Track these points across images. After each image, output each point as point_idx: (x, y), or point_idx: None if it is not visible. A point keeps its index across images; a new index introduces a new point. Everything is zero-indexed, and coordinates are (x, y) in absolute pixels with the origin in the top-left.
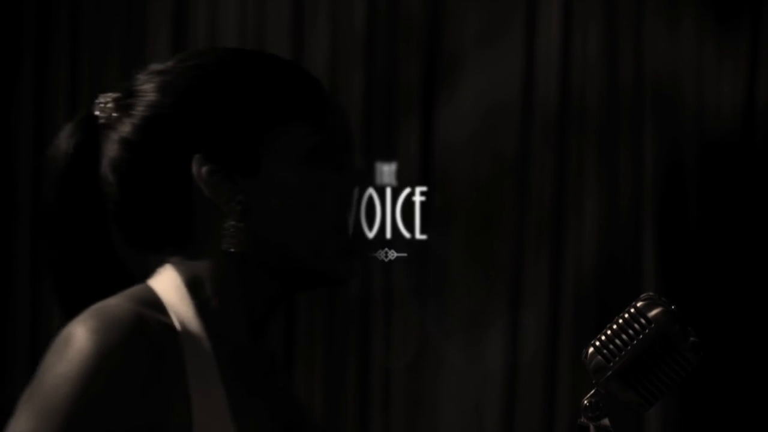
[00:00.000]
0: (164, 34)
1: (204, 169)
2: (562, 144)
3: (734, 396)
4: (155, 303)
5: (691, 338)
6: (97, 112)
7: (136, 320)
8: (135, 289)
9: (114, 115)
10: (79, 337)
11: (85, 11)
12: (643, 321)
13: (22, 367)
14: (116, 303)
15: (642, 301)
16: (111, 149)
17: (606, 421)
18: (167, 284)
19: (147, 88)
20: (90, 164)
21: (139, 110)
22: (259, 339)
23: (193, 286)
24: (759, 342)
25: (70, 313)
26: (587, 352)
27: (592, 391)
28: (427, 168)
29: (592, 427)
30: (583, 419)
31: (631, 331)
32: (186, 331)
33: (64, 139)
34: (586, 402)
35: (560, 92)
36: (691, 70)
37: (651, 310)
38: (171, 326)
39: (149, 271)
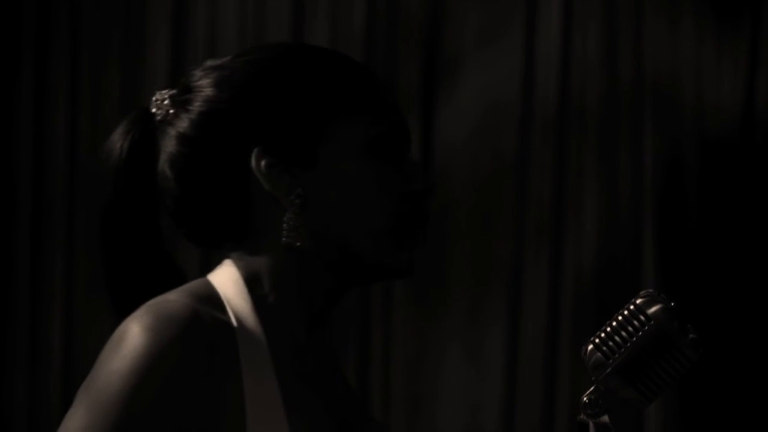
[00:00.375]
0: (164, 33)
1: (263, 163)
2: (561, 143)
3: (733, 393)
4: (213, 298)
5: (691, 335)
6: (153, 109)
7: (190, 317)
8: (194, 284)
9: (170, 111)
10: (134, 333)
11: (85, 11)
12: (642, 318)
13: (22, 366)
14: (173, 299)
15: (641, 298)
16: (169, 145)
17: (605, 418)
18: (225, 279)
19: (203, 83)
20: (146, 161)
21: (196, 106)
22: (318, 334)
23: (252, 280)
24: (759, 340)
25: (120, 311)
26: (586, 349)
27: (592, 388)
28: (427, 167)
29: (591, 424)
30: (582, 416)
31: (630, 328)
32: (242, 327)
33: (119, 137)
34: (585, 399)
35: (560, 91)
36: (690, 69)
37: (650, 307)
38: (227, 322)
39: (211, 265)
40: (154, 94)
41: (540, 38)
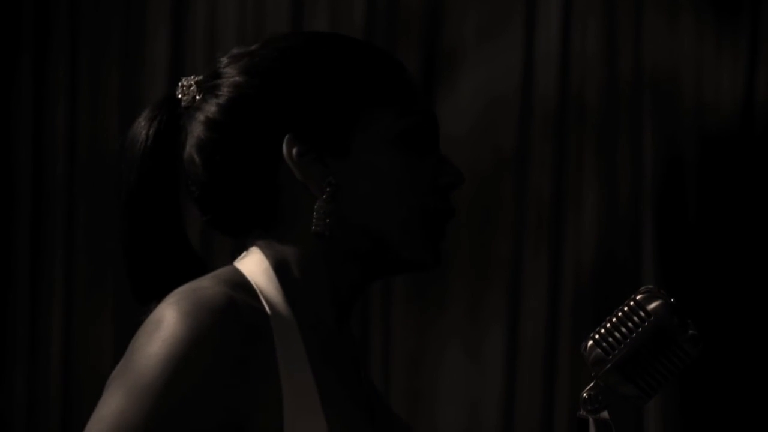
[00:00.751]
0: (163, 32)
1: (294, 151)
2: (561, 139)
3: (733, 389)
4: (245, 286)
5: (690, 331)
6: (178, 95)
7: (227, 303)
8: (223, 272)
9: (197, 97)
10: (171, 319)
11: (84, 11)
12: (642, 314)
13: (21, 365)
14: (207, 285)
15: (641, 294)
16: (196, 129)
17: (605, 414)
18: (255, 267)
19: (231, 70)
20: (170, 147)
21: (225, 91)
22: (343, 326)
23: (280, 269)
24: (759, 336)
25: (141, 298)
26: (586, 344)
27: (591, 384)
28: None
29: (591, 420)
30: (582, 412)
31: (630, 324)
32: (275, 315)
33: (145, 122)
34: (585, 395)
35: (559, 87)
36: (690, 65)
37: (650, 302)
38: (261, 310)
39: (234, 253)
40: (180, 80)
41: (539, 34)
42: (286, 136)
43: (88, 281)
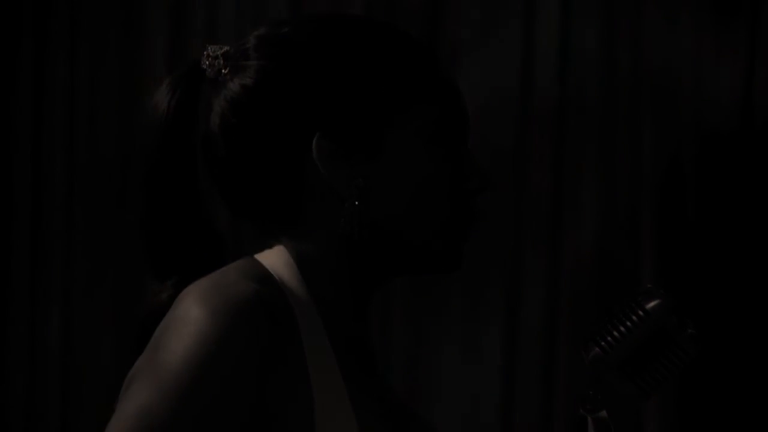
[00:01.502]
0: (163, 31)
1: (324, 150)
2: (560, 136)
3: (732, 388)
4: (268, 279)
5: (689, 330)
6: (204, 65)
7: (256, 300)
8: (245, 264)
9: (223, 71)
10: (200, 317)
11: (84, 10)
12: (641, 313)
13: (22, 366)
14: (233, 280)
15: (641, 293)
16: (220, 107)
17: (604, 413)
18: (277, 260)
19: (260, 53)
20: (192, 119)
21: (252, 74)
22: (360, 323)
23: (303, 264)
24: (759, 336)
25: (159, 274)
26: (585, 344)
27: (590, 383)
28: None
29: (589, 419)
30: (580, 411)
31: (629, 323)
32: (300, 310)
33: (167, 91)
34: (583, 394)
35: (559, 85)
36: (689, 64)
37: (649, 301)
38: (288, 305)
39: (251, 245)
40: (205, 48)
41: (539, 31)
42: (317, 134)
43: (88, 281)
